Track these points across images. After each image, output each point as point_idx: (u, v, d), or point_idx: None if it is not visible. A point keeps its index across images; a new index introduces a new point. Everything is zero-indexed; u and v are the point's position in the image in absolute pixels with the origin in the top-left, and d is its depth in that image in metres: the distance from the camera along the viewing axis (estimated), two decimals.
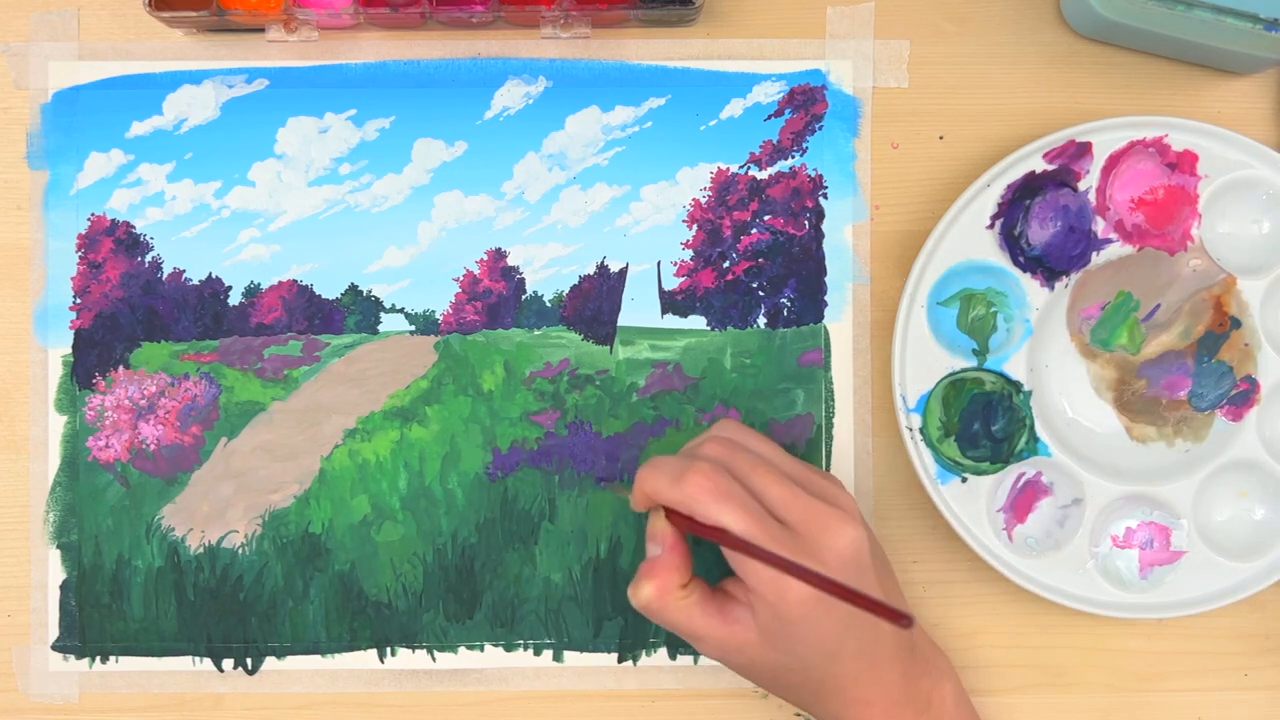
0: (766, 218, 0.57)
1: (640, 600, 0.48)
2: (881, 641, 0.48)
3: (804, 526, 0.46)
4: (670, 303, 0.57)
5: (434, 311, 0.57)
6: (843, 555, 0.46)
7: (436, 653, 0.56)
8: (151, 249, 0.56)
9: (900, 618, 0.40)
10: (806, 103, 0.57)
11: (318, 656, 0.56)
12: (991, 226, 0.54)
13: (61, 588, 0.56)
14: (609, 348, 0.57)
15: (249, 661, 0.56)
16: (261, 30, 0.56)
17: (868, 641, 0.47)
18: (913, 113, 0.57)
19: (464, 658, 0.56)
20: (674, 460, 0.47)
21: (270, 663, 0.56)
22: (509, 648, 0.56)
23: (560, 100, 0.57)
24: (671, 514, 0.47)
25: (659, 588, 0.47)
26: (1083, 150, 0.54)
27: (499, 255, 0.57)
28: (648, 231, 0.57)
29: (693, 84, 0.57)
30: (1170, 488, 0.55)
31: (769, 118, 0.57)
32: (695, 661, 0.56)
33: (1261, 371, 0.55)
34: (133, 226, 0.56)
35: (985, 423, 0.55)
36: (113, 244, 0.56)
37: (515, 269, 0.57)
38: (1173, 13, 0.51)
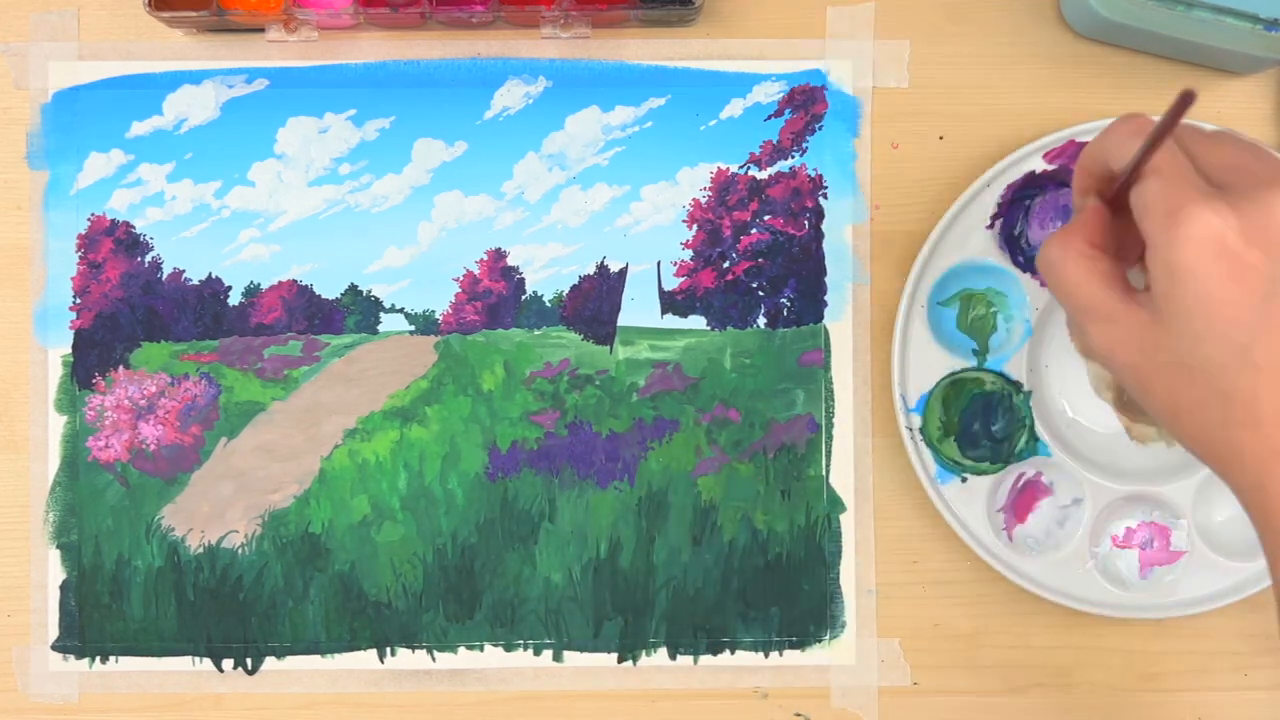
0: (766, 218, 0.57)
1: (1043, 256, 0.41)
2: None
3: (1241, 182, 0.37)
4: (670, 303, 0.57)
5: (434, 311, 0.57)
6: (1274, 216, 0.36)
7: (436, 653, 0.56)
8: (151, 249, 0.56)
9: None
10: (806, 103, 0.57)
11: (318, 656, 0.56)
12: (991, 226, 0.54)
13: (61, 588, 0.56)
14: (609, 348, 0.57)
15: (249, 661, 0.56)
16: (261, 30, 0.56)
17: None
18: (913, 113, 0.57)
19: (464, 658, 0.56)
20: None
21: (270, 663, 0.56)
22: (509, 648, 0.56)
23: (560, 100, 0.57)
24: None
25: (1065, 236, 0.40)
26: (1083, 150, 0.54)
27: (499, 255, 0.57)
28: (648, 231, 0.57)
29: (693, 84, 0.57)
30: (1170, 488, 0.55)
31: (769, 118, 0.57)
32: (695, 661, 0.56)
33: None
34: (133, 226, 0.56)
35: (985, 423, 0.55)
36: (113, 244, 0.56)
37: (515, 269, 0.57)
38: (1173, 13, 0.51)
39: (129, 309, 0.56)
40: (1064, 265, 0.40)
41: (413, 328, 0.57)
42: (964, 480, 0.54)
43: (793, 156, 0.57)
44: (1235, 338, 0.36)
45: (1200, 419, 0.38)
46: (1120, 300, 0.39)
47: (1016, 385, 0.55)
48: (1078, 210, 0.42)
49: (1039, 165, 0.54)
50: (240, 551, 0.56)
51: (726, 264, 0.57)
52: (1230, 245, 0.36)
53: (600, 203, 0.57)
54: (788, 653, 0.56)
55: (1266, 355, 0.36)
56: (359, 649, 0.56)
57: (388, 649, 0.56)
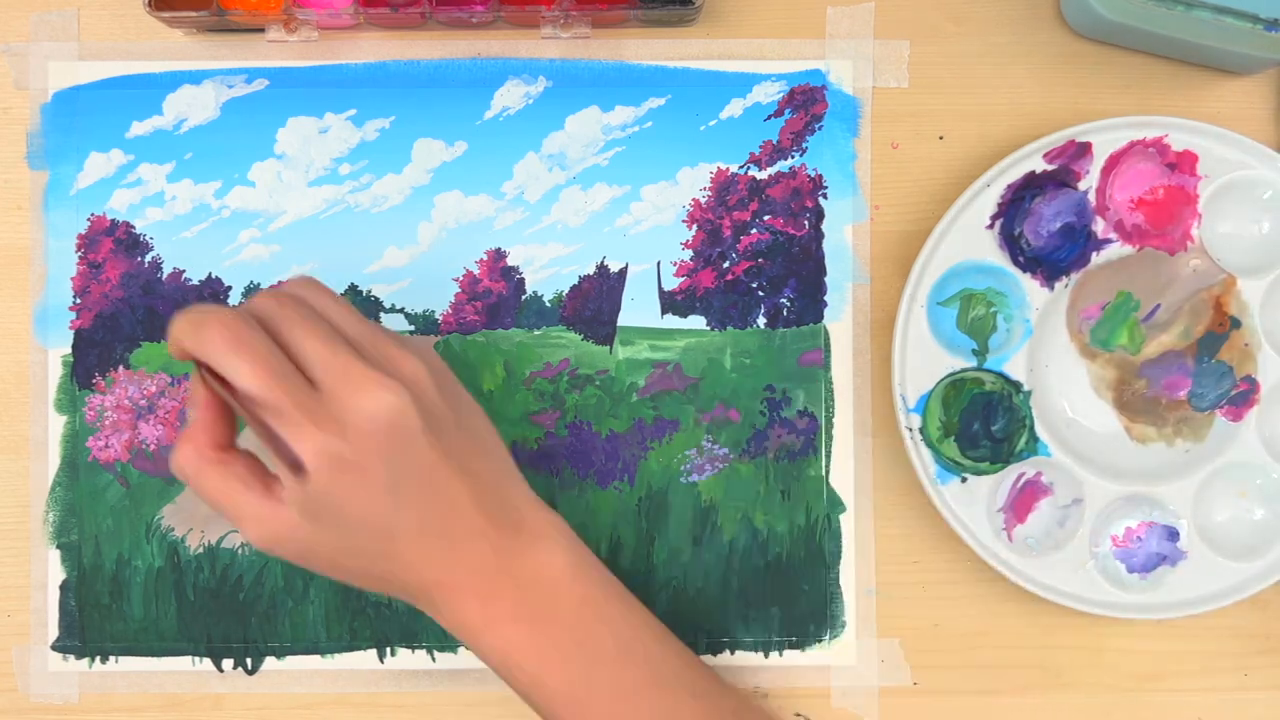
0: (766, 218, 0.57)
1: (175, 465, 0.43)
2: (457, 516, 0.44)
3: (334, 387, 0.42)
4: (670, 303, 0.57)
5: (434, 311, 0.57)
6: (373, 420, 0.41)
7: (436, 653, 0.56)
8: (151, 249, 0.56)
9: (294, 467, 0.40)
10: (806, 103, 0.57)
11: (318, 656, 0.56)
12: (991, 226, 0.54)
13: (61, 588, 0.56)
14: (609, 348, 0.57)
15: (249, 661, 0.56)
16: (261, 30, 0.56)
17: (434, 517, 0.44)
18: (913, 113, 0.57)
19: (464, 658, 0.56)
20: (204, 308, 0.43)
21: (270, 663, 0.56)
22: None
23: (560, 100, 0.57)
24: (207, 373, 0.43)
25: (192, 448, 0.43)
26: (1083, 150, 0.54)
27: (499, 255, 0.57)
28: (648, 231, 0.57)
29: (693, 84, 0.57)
30: (1170, 488, 0.55)
31: (769, 118, 0.57)
32: None
33: (1261, 371, 0.55)
34: (133, 226, 0.56)
35: (985, 423, 0.55)
36: (113, 244, 0.56)
37: (515, 269, 0.57)
38: (1173, 13, 0.51)
39: (129, 309, 0.56)
40: (200, 478, 0.43)
41: (413, 328, 0.57)
42: (964, 480, 0.54)
43: (793, 156, 0.57)
44: (376, 526, 0.43)
45: (377, 582, 0.46)
46: (264, 500, 0.43)
47: (1016, 385, 0.55)
48: (190, 404, 0.44)
49: (1039, 165, 0.54)
50: (240, 551, 0.56)
51: (726, 264, 0.57)
52: (346, 458, 0.42)
53: (600, 203, 0.57)
54: (788, 653, 0.56)
55: (402, 528, 0.44)
56: (359, 649, 0.56)
57: (388, 649, 0.56)
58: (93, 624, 0.56)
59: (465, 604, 0.45)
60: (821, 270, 0.57)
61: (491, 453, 0.48)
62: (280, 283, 0.46)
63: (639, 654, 0.48)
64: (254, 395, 0.41)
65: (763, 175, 0.57)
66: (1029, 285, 0.55)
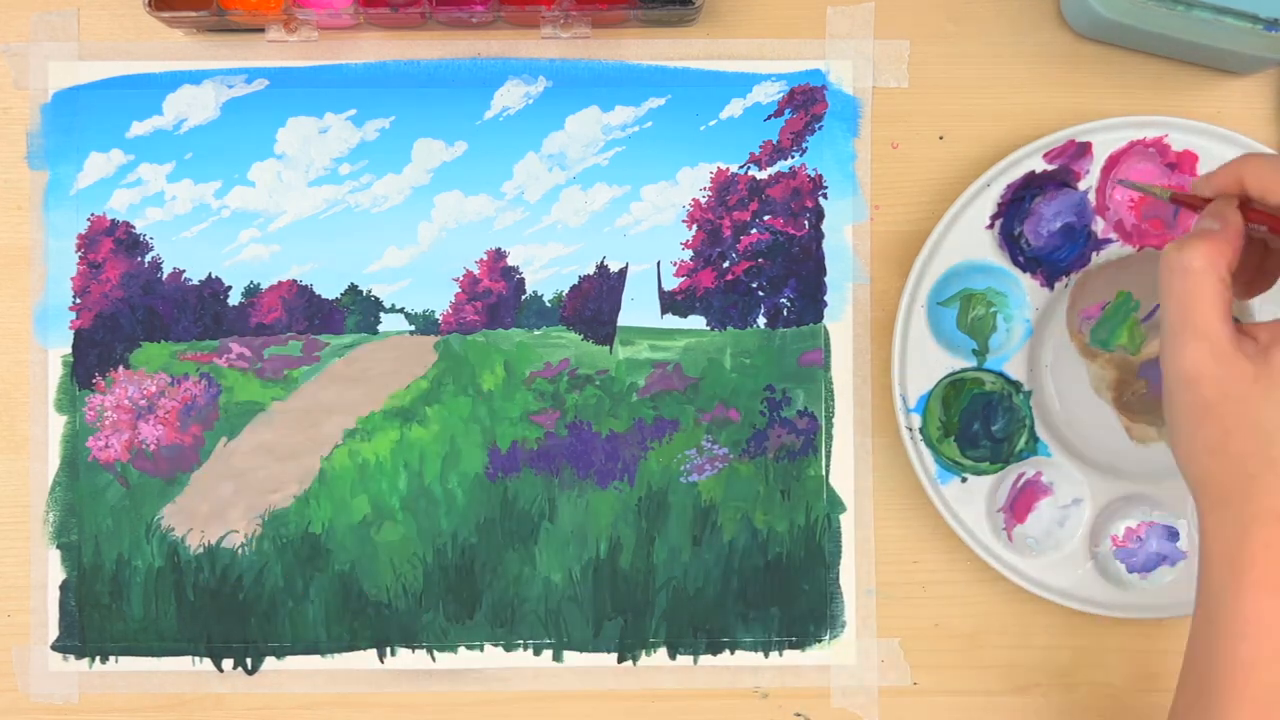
0: (766, 218, 0.57)
1: (1186, 258, 0.41)
2: None
3: None
4: (670, 303, 0.57)
5: (434, 311, 0.57)
6: None
7: (436, 653, 0.56)
8: (151, 249, 0.56)
9: None
10: (806, 103, 0.57)
11: (318, 656, 0.56)
12: (991, 226, 0.54)
13: (61, 588, 0.56)
14: (609, 348, 0.57)
15: (249, 661, 0.56)
16: (261, 30, 0.56)
17: None
18: (913, 113, 0.57)
19: (464, 658, 0.56)
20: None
21: (270, 663, 0.56)
22: (509, 648, 0.56)
23: (560, 100, 0.57)
24: (1248, 212, 0.43)
25: (1210, 253, 0.41)
26: (1083, 150, 0.54)
27: (499, 255, 0.57)
28: (648, 231, 0.57)
29: (693, 84, 0.57)
30: (1170, 488, 0.55)
31: (769, 118, 0.57)
32: (695, 661, 0.56)
33: None
34: (132, 226, 0.56)
35: (985, 423, 0.55)
36: (113, 244, 0.56)
37: (515, 269, 0.57)
38: (1173, 13, 0.51)
39: (129, 309, 0.56)
40: (1202, 283, 0.41)
41: (413, 328, 0.57)
42: (964, 480, 0.54)
43: (793, 156, 0.57)
44: None
45: (1219, 464, 0.41)
46: (1232, 341, 0.40)
47: (1016, 385, 0.55)
48: (1215, 218, 0.42)
49: (1039, 165, 0.54)
50: (240, 551, 0.56)
51: (726, 264, 0.57)
52: None
53: (600, 203, 0.57)
54: (788, 653, 0.56)
55: None
56: (359, 649, 0.56)
57: (388, 649, 0.56)
58: (93, 624, 0.56)
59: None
60: (821, 270, 0.57)
61: None
62: None
63: None
64: None
65: (763, 175, 0.57)
66: (1029, 285, 0.55)
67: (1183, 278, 0.41)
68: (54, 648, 0.56)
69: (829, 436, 0.57)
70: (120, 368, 0.56)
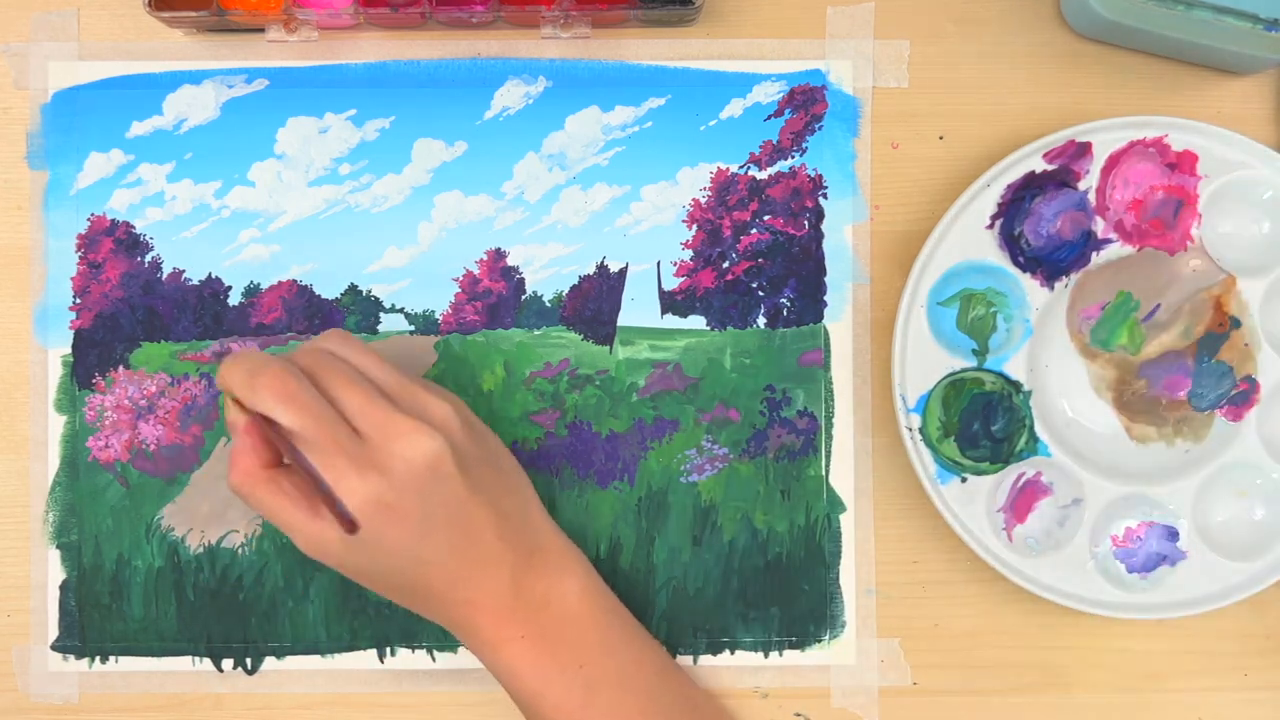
0: (766, 218, 0.57)
1: (231, 485, 0.48)
2: (481, 544, 0.48)
3: (376, 435, 0.46)
4: (670, 303, 0.57)
5: (434, 311, 0.57)
6: (413, 465, 0.46)
7: (436, 653, 0.56)
8: (151, 249, 0.56)
9: (344, 523, 0.45)
10: (806, 103, 0.57)
11: (318, 656, 0.56)
12: (991, 226, 0.54)
13: (61, 588, 0.56)
14: (609, 348, 0.57)
15: (249, 661, 0.56)
16: (261, 30, 0.56)
17: (462, 545, 0.48)
18: (913, 113, 0.57)
19: (464, 658, 0.56)
20: (255, 357, 0.47)
21: (270, 663, 0.56)
22: None
23: (560, 100, 0.57)
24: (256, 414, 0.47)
25: (242, 469, 0.47)
26: (1083, 150, 0.54)
27: (499, 255, 0.57)
28: (648, 231, 0.57)
29: (693, 84, 0.57)
30: (1170, 488, 0.55)
31: (769, 118, 0.57)
32: (695, 661, 0.56)
33: (1261, 371, 0.55)
34: (133, 226, 0.56)
35: (985, 423, 0.55)
36: (113, 244, 0.56)
37: (515, 269, 0.57)
38: (1173, 13, 0.51)
39: (129, 309, 0.56)
40: (254, 493, 0.47)
41: (413, 328, 0.57)
42: (964, 480, 0.54)
43: (793, 156, 0.57)
44: (409, 554, 0.47)
45: (405, 597, 0.50)
46: (310, 519, 0.47)
47: (1016, 385, 0.55)
48: (230, 425, 0.48)
49: (1039, 165, 0.54)
50: (240, 551, 0.56)
51: (726, 264, 0.57)
52: (387, 501, 0.46)
53: (600, 203, 0.57)
54: (788, 653, 0.56)
55: (432, 555, 0.48)
56: (359, 649, 0.56)
57: (388, 649, 0.56)
58: (93, 624, 0.56)
59: (482, 621, 0.49)
60: (821, 270, 0.57)
61: (515, 486, 0.52)
62: (313, 339, 0.50)
63: (639, 682, 0.51)
64: (306, 439, 0.46)
65: (763, 175, 0.57)
66: (1029, 285, 0.55)
67: (245, 500, 0.48)
68: (54, 648, 0.56)
69: (829, 436, 0.57)
70: (120, 368, 0.56)
